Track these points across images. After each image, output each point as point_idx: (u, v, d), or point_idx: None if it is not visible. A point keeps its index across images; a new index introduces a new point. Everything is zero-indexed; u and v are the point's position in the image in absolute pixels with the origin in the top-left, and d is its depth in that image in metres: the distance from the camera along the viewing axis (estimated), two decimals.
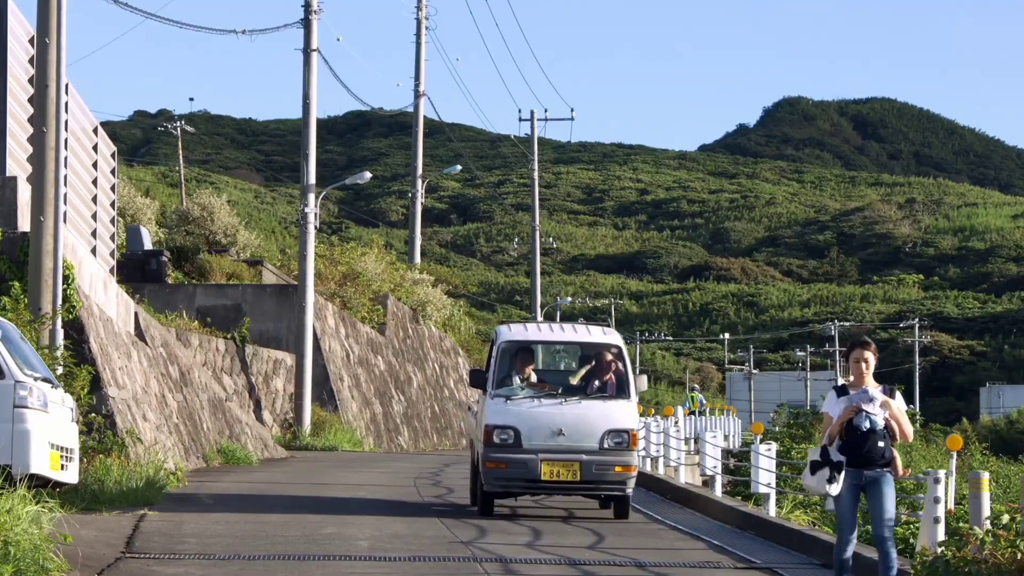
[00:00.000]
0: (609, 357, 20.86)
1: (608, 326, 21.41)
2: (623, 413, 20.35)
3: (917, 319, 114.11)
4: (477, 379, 20.95)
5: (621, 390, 20.59)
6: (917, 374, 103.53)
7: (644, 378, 21.35)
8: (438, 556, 16.68)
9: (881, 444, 13.38)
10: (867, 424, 13.34)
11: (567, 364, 22.18)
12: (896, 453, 13.64)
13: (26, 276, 22.80)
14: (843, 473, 13.29)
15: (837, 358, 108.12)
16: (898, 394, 13.78)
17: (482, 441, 20.14)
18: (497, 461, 19.95)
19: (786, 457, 31.85)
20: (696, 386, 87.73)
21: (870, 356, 13.66)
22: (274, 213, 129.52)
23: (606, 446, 20.04)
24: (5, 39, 24.19)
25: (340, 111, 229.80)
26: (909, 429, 13.67)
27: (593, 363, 21.08)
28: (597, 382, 20.79)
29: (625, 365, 20.77)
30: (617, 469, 20.08)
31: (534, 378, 20.84)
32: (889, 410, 13.42)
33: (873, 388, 13.50)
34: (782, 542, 19.68)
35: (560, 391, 20.59)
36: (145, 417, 25.97)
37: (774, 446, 25.09)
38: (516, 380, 20.46)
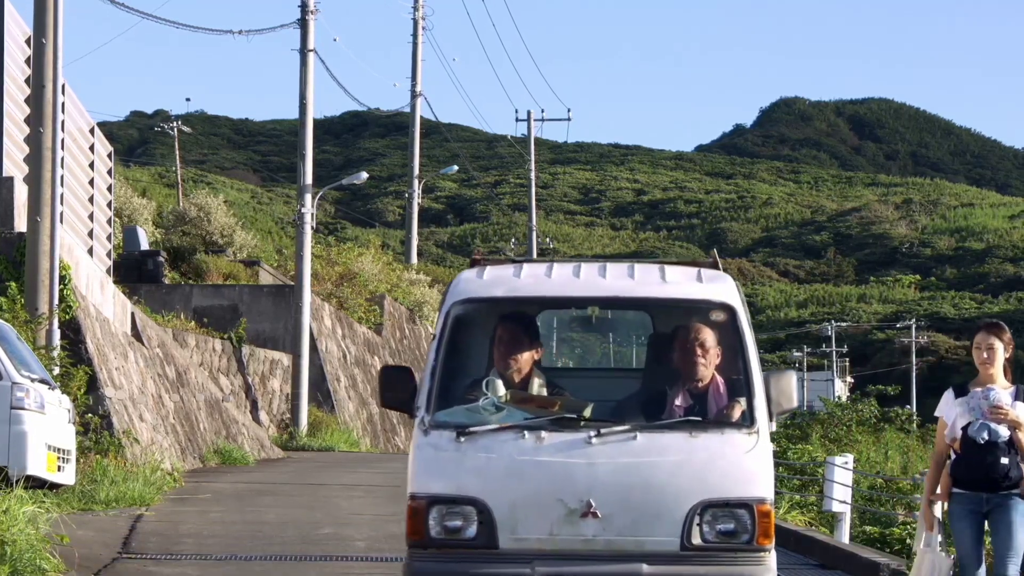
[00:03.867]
0: (709, 335, 9.63)
1: (714, 263, 10.32)
2: (739, 462, 9.25)
3: (914, 319, 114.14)
4: (392, 389, 9.58)
5: (734, 408, 9.51)
6: (914, 374, 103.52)
7: (792, 377, 9.69)
8: None
9: (1005, 461, 10.35)
10: (985, 435, 10.35)
11: (618, 350, 11.90)
12: None
13: (23, 276, 22.80)
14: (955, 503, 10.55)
15: (834, 358, 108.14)
16: None
17: (406, 531, 9.25)
18: None
19: (783, 458, 31.86)
20: None
21: (997, 344, 10.47)
22: (271, 213, 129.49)
23: (699, 541, 9.09)
24: (2, 39, 24.19)
25: (337, 111, 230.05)
26: None
27: (674, 347, 9.75)
28: (680, 393, 9.60)
29: (745, 350, 9.55)
30: None
31: (537, 385, 9.71)
32: (1010, 418, 10.39)
33: (1001, 388, 10.47)
34: (779, 543, 19.65)
35: (587, 414, 9.38)
36: (142, 417, 25.97)
37: (771, 446, 25.11)
38: (497, 387, 9.37)
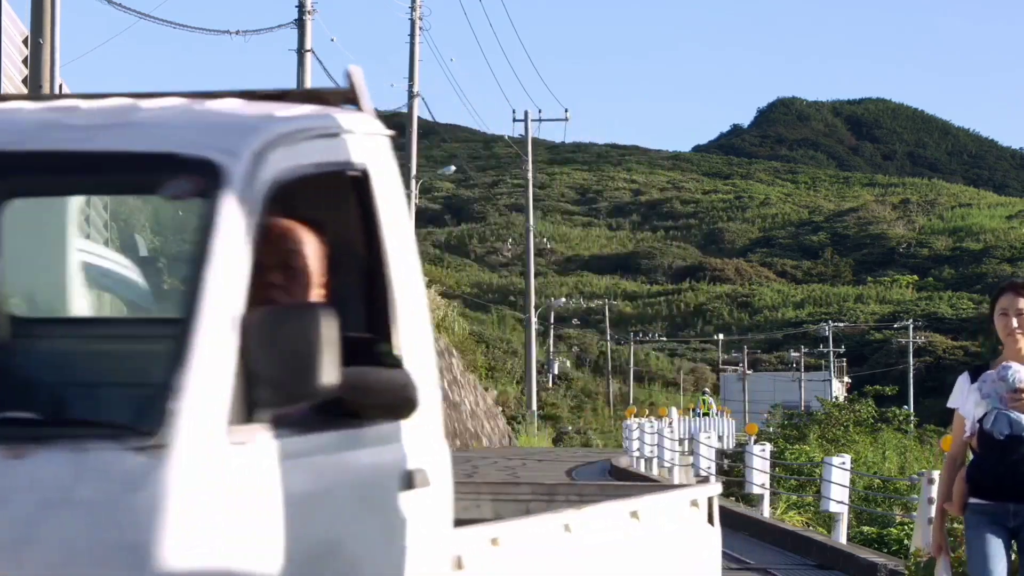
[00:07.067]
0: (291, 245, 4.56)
1: (348, 94, 4.93)
2: (112, 520, 3.56)
3: (911, 320, 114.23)
4: None
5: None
6: (911, 375, 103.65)
7: (310, 321, 3.89)
8: None
9: None
10: (1006, 428, 7.46)
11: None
12: None
13: None
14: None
15: (832, 359, 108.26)
16: None
17: None
18: None
19: (780, 458, 31.91)
20: (707, 390, 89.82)
21: None
22: None
23: None
24: None
25: None
26: None
27: None
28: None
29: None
30: None
31: None
32: None
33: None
34: (776, 543, 19.70)
35: None
36: None
37: (768, 447, 25.16)
38: None
